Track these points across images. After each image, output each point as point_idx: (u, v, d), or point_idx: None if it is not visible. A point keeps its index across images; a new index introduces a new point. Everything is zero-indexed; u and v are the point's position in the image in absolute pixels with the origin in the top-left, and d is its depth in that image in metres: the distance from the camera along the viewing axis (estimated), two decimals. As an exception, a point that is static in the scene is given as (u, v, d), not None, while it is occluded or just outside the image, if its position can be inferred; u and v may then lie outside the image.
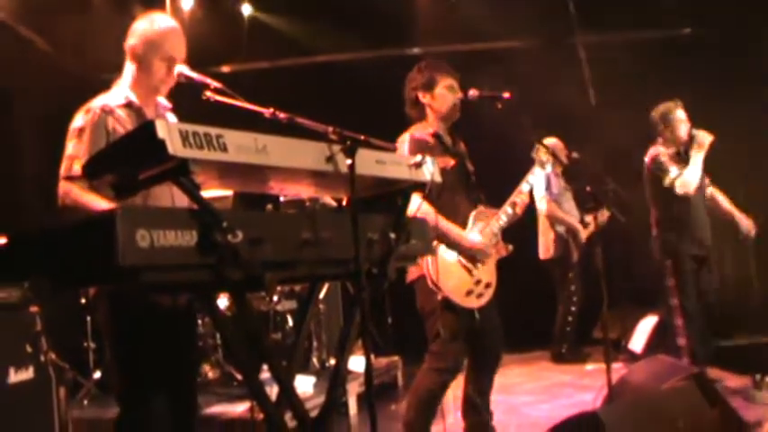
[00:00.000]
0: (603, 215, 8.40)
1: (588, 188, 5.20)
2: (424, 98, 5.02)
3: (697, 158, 6.64)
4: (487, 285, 4.95)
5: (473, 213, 5.03)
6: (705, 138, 6.66)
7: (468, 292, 4.86)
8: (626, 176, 8.56)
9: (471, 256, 4.86)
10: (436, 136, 4.96)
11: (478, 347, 5.03)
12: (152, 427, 3.57)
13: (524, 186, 5.08)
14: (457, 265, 4.84)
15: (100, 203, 3.42)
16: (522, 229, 5.28)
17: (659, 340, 8.02)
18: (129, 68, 3.86)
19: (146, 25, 3.82)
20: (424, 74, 5.04)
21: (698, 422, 4.03)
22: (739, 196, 7.42)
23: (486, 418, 5.09)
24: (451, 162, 4.90)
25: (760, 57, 8.86)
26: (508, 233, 5.09)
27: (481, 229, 4.97)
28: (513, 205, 5.05)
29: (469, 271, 4.86)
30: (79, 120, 3.68)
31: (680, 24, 10.00)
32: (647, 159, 6.99)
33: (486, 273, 4.96)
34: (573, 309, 9.02)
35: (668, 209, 6.84)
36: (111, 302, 3.56)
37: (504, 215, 5.02)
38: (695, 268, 6.84)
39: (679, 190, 6.66)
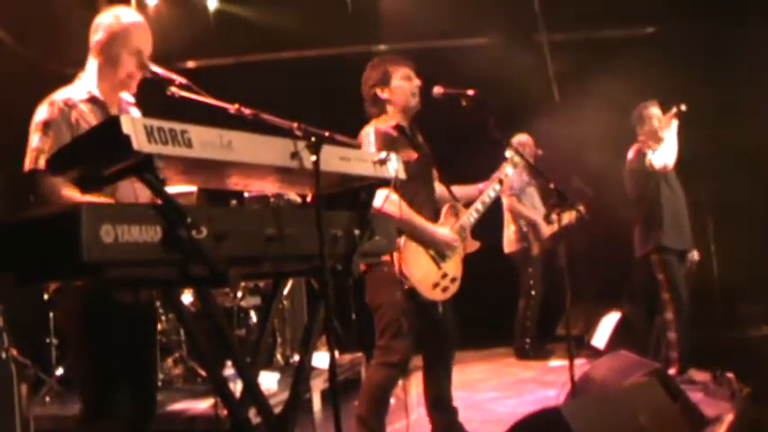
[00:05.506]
0: (570, 216, 8.46)
1: (552, 185, 5.23)
2: (382, 93, 4.98)
3: (669, 136, 6.79)
4: (453, 279, 4.98)
5: (444, 208, 5.06)
6: (666, 116, 6.92)
7: (435, 285, 4.88)
8: (590, 173, 8.63)
9: (440, 250, 4.89)
10: (399, 128, 4.94)
11: (434, 344, 5.06)
12: (114, 423, 3.55)
13: (495, 186, 5.14)
14: (425, 257, 4.85)
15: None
16: (486, 224, 5.30)
17: (622, 336, 8.11)
18: (93, 64, 3.79)
19: (111, 19, 3.76)
20: (378, 70, 5.02)
21: (660, 417, 4.07)
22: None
23: (451, 414, 5.11)
24: (414, 155, 4.90)
25: (723, 56, 8.95)
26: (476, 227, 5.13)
27: (452, 224, 5.01)
28: (484, 203, 5.10)
29: (437, 263, 4.88)
30: (43, 112, 3.60)
31: (644, 23, 10.10)
32: (629, 155, 7.10)
33: (453, 267, 4.98)
34: (532, 303, 9.08)
35: (653, 205, 6.93)
36: (75, 298, 3.52)
37: (475, 212, 5.08)
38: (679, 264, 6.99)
39: (656, 165, 6.78)
